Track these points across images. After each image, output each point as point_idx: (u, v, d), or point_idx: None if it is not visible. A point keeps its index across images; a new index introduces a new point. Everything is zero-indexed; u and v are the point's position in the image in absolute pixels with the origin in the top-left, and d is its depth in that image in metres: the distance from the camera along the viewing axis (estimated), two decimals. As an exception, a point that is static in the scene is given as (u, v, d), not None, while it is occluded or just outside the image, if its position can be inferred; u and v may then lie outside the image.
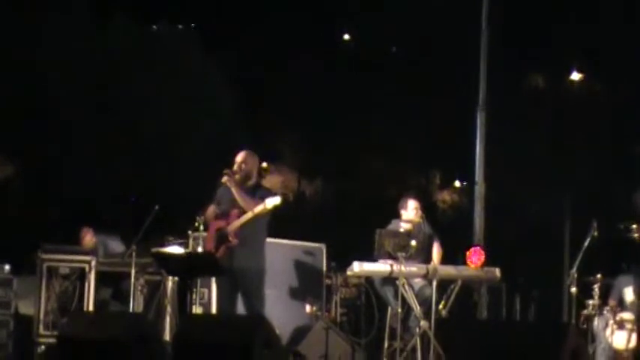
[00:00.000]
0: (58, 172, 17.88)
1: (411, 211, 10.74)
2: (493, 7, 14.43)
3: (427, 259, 10.55)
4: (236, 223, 9.37)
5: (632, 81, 18.64)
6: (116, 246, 11.88)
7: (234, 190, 9.42)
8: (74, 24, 18.22)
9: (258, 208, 9.29)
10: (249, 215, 9.33)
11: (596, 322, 11.07)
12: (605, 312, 11.08)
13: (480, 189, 14.23)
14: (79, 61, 17.95)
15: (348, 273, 10.58)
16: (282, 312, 10.62)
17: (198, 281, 9.82)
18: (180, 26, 21.16)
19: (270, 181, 21.56)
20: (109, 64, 18.29)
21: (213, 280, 10.39)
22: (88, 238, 12.10)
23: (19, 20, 17.69)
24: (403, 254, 10.12)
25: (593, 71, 20.46)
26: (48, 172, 17.89)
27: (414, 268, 10.33)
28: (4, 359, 11.12)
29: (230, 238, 9.37)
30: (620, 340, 11.02)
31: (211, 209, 9.64)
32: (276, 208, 9.31)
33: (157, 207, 11.19)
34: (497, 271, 10.80)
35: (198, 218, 9.58)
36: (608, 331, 10.98)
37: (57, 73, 17.63)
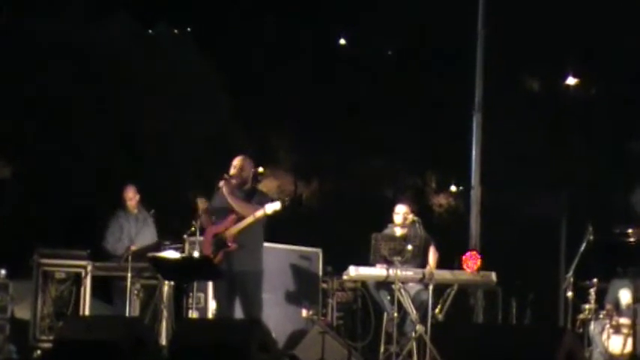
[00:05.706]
0: (55, 174, 17.83)
1: (396, 216, 10.74)
2: (489, 10, 14.44)
3: (423, 263, 10.54)
4: (234, 229, 9.36)
5: (628, 81, 18.68)
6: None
7: (229, 197, 9.43)
8: (70, 22, 18.18)
9: (259, 214, 9.29)
10: (249, 220, 9.33)
11: (592, 326, 11.08)
12: (601, 316, 11.10)
13: (476, 193, 14.23)
14: (76, 61, 17.91)
15: (344, 277, 10.60)
16: (278, 316, 10.64)
17: (195, 286, 9.81)
18: (176, 30, 21.17)
19: (267, 185, 21.54)
20: (107, 64, 18.26)
21: (210, 284, 10.38)
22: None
23: (17, 18, 17.67)
24: (399, 259, 10.12)
25: (589, 73, 20.47)
26: (45, 175, 17.84)
27: (410, 272, 10.33)
28: (0, 363, 11.12)
29: (229, 244, 9.36)
30: (616, 344, 11.03)
31: (206, 216, 9.58)
32: (275, 213, 9.33)
33: (152, 211, 11.23)
34: (493, 276, 10.80)
35: (193, 222, 9.59)
36: (604, 336, 10.99)
37: (53, 73, 17.59)
